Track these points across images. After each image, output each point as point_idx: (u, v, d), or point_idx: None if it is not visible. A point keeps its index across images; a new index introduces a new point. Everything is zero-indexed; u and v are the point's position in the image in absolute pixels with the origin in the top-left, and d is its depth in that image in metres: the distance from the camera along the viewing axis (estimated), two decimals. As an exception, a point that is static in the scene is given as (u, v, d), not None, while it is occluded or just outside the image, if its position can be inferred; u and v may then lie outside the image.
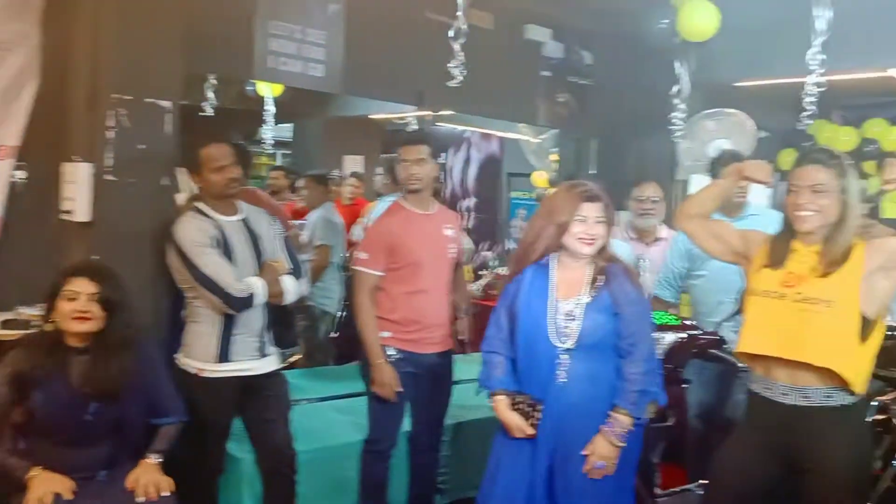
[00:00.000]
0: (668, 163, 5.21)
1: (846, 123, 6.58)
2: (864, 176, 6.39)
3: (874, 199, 5.72)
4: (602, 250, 2.52)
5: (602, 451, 2.40)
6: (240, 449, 3.06)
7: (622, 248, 3.34)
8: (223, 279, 2.70)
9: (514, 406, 2.53)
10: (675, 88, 4.68)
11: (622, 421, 2.40)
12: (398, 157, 3.17)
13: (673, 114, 4.67)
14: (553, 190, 3.68)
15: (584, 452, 2.42)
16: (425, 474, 3.37)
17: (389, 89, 4.29)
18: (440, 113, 6.19)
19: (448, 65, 3.86)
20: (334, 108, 7.97)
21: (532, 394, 2.52)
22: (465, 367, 4.65)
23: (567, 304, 2.48)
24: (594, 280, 2.49)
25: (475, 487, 3.77)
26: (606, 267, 2.51)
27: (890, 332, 2.99)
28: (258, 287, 2.79)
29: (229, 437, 2.95)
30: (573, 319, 2.46)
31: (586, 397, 2.45)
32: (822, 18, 3.90)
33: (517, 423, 2.50)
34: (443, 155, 8.88)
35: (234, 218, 2.89)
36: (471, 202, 8.76)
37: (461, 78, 3.88)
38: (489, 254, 7.61)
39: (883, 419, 3.00)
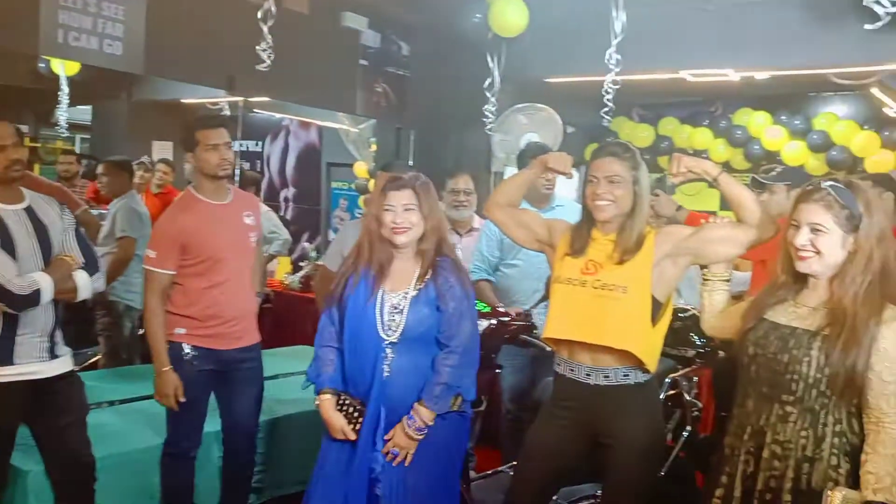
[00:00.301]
0: (485, 154, 5.35)
1: (644, 121, 7.06)
2: (661, 170, 6.91)
3: (671, 191, 6.18)
4: (432, 242, 2.47)
5: (398, 442, 2.40)
6: (25, 460, 2.78)
7: None
8: (1, 275, 2.43)
9: (340, 406, 2.48)
10: (487, 82, 4.80)
11: (423, 414, 2.39)
12: (195, 141, 2.95)
13: (486, 107, 4.80)
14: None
15: (385, 437, 2.41)
16: (238, 475, 3.23)
17: (197, 72, 4.07)
18: (256, 99, 5.99)
19: (257, 48, 3.72)
20: (141, 91, 7.51)
21: (358, 387, 2.48)
22: (280, 361, 4.56)
23: (394, 297, 2.46)
24: (423, 273, 2.47)
25: (295, 483, 3.70)
26: (438, 260, 2.49)
27: (679, 314, 3.28)
28: (44, 283, 2.53)
29: (13, 448, 2.68)
30: (399, 312, 2.44)
31: (410, 391, 2.44)
32: (617, 21, 4.15)
33: (340, 426, 2.45)
34: (259, 143, 8.62)
35: (16, 207, 2.60)
36: (290, 192, 8.56)
37: (269, 62, 3.75)
38: (309, 245, 7.48)
39: (674, 394, 3.24)
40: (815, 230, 1.95)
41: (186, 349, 2.93)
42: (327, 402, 2.49)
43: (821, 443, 1.92)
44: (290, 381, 4.27)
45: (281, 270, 6.44)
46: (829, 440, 1.91)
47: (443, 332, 2.45)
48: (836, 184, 1.95)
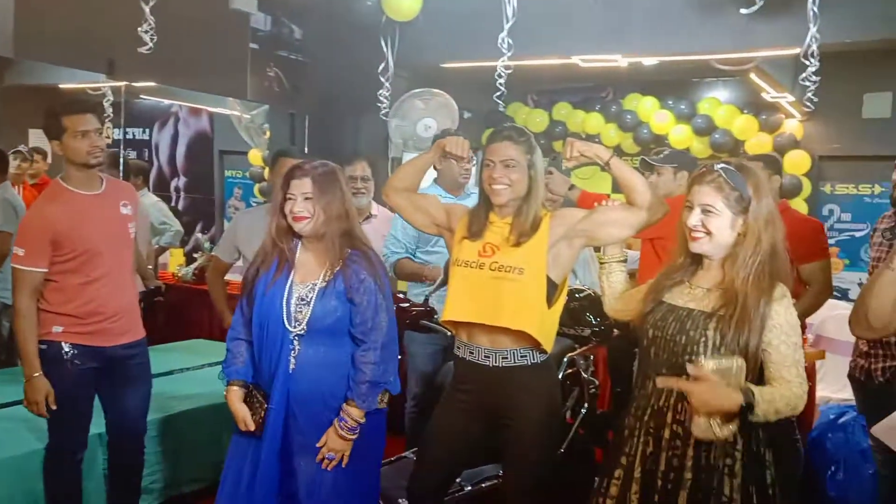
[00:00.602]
0: (382, 140, 5.31)
1: (538, 106, 7.18)
2: (555, 155, 7.05)
3: (566, 174, 6.31)
4: (339, 233, 2.41)
5: (333, 445, 2.36)
6: None
7: None
8: None
9: (248, 398, 2.43)
10: (381, 66, 4.76)
11: (353, 414, 2.36)
12: (62, 128, 2.75)
13: (380, 92, 4.76)
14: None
15: (318, 445, 2.36)
16: (125, 476, 3.09)
17: (73, 55, 3.84)
18: (141, 84, 5.73)
19: (139, 29, 3.54)
20: (14, 75, 7.05)
21: (265, 379, 2.42)
22: (175, 356, 4.40)
23: (302, 289, 2.40)
24: (331, 265, 2.41)
25: (192, 482, 3.59)
26: (349, 252, 2.43)
27: (575, 295, 3.35)
28: None
29: None
30: (306, 304, 2.38)
31: (319, 385, 2.39)
32: (509, 5, 4.19)
33: (242, 415, 2.40)
34: (147, 130, 8.27)
35: None
36: (181, 181, 8.25)
37: (152, 45, 3.57)
38: (202, 236, 7.23)
39: (572, 373, 3.32)
40: (706, 211, 2.01)
41: (66, 348, 2.77)
42: (234, 394, 2.44)
43: None
44: (186, 376, 4.14)
45: (174, 262, 6.20)
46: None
47: (357, 327, 2.40)
48: (727, 166, 2.01)
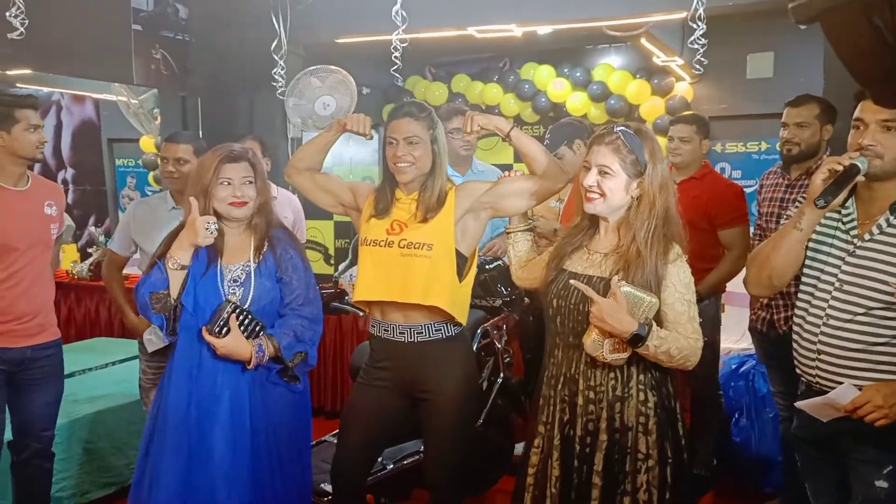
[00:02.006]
0: (281, 120, 5.17)
1: (437, 79, 7.15)
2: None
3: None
4: (264, 214, 2.43)
5: (234, 346, 2.29)
6: None
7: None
8: None
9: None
10: (273, 44, 4.63)
11: (269, 347, 2.34)
12: (14, 119, 2.75)
13: (275, 70, 4.63)
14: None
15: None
16: (34, 484, 2.95)
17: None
18: (15, 72, 5.39)
19: (7, 14, 3.30)
20: None
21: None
22: (76, 357, 4.21)
23: (233, 270, 2.38)
24: (259, 245, 2.41)
25: (102, 487, 3.46)
26: (272, 232, 2.44)
27: (485, 267, 3.37)
28: None
29: None
30: (240, 285, 2.36)
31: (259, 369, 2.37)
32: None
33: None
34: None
35: None
36: (68, 174, 7.84)
37: (23, 30, 3.34)
38: (96, 229, 6.90)
39: (486, 343, 3.36)
40: (602, 172, 2.04)
41: None
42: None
43: (629, 382, 2.02)
44: (89, 377, 3.98)
45: (67, 259, 5.91)
46: (635, 378, 2.02)
47: (291, 303, 2.42)
48: (626, 129, 2.04)
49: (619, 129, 2.04)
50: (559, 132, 3.53)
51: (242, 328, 2.32)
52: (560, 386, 2.10)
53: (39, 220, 2.84)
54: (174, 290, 2.31)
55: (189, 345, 2.38)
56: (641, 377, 2.03)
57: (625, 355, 1.96)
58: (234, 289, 2.37)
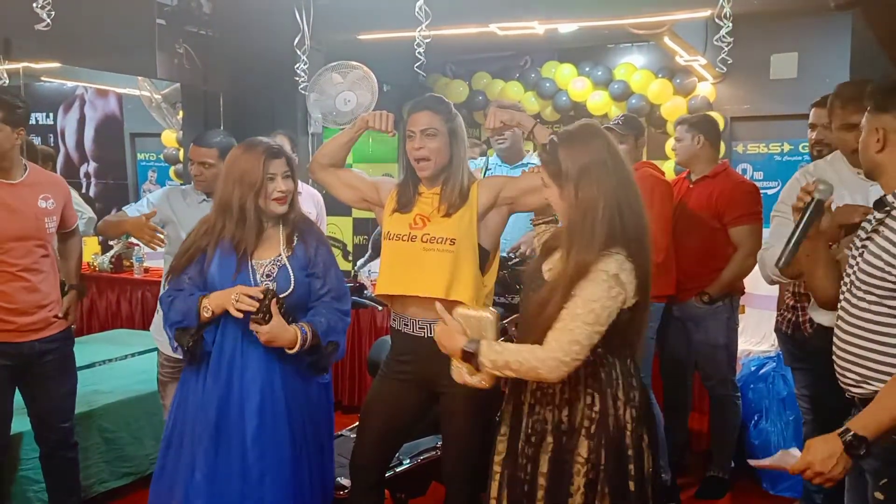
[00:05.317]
0: (302, 115, 5.19)
1: (457, 77, 7.15)
2: (476, 125, 7.05)
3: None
4: (294, 207, 2.45)
5: (277, 332, 2.28)
6: None
7: None
8: None
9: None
10: (296, 39, 4.64)
11: (309, 335, 2.33)
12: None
13: (297, 66, 4.64)
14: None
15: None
16: (61, 474, 2.99)
17: (-40, 35, 3.61)
18: (42, 66, 5.45)
19: (34, 5, 3.33)
20: None
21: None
22: (96, 348, 4.25)
23: (265, 265, 2.38)
24: (289, 239, 2.42)
25: (120, 477, 3.49)
26: (301, 226, 2.46)
27: (506, 263, 3.36)
28: None
29: None
30: (272, 280, 2.36)
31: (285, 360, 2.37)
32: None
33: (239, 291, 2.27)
34: (51, 115, 7.87)
35: None
36: (91, 167, 7.91)
37: (49, 21, 3.36)
38: (118, 222, 6.96)
39: (505, 340, 3.34)
40: (545, 184, 2.00)
41: None
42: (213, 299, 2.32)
43: (577, 385, 1.95)
44: (110, 368, 4.01)
45: (88, 252, 5.96)
46: (583, 381, 1.94)
47: (325, 295, 2.43)
48: (552, 140, 1.97)
49: (549, 138, 2.00)
50: (632, 123, 3.51)
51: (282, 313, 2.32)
52: (523, 388, 2.05)
53: (32, 214, 2.79)
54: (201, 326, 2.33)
55: (221, 340, 2.37)
56: (589, 380, 1.95)
57: (481, 376, 1.93)
58: (267, 283, 2.36)
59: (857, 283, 1.86)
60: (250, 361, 2.36)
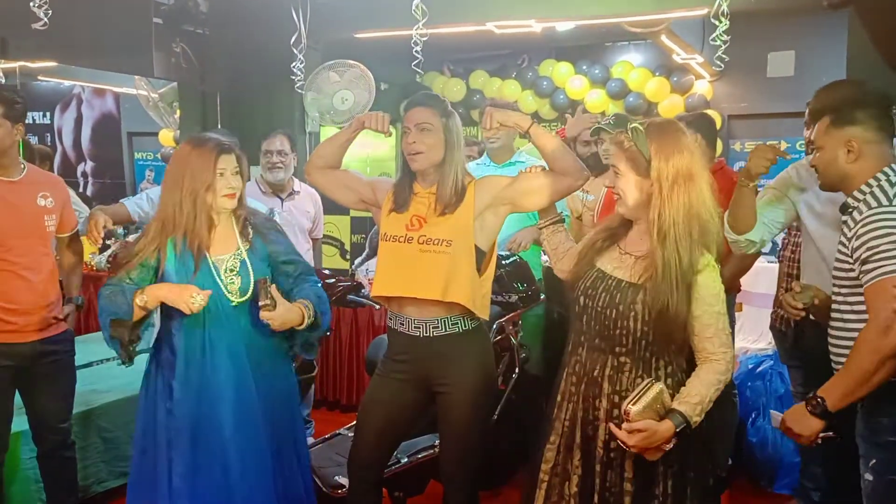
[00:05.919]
0: (299, 114, 5.20)
1: (455, 75, 7.15)
2: (473, 124, 7.05)
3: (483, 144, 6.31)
4: (242, 201, 2.43)
5: (285, 314, 2.32)
6: None
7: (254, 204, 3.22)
8: None
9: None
10: (293, 38, 4.64)
11: (311, 310, 2.37)
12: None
13: (294, 64, 4.64)
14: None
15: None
16: (60, 475, 2.98)
17: (-43, 34, 3.60)
18: (39, 65, 5.44)
19: (31, 4, 3.32)
20: None
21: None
22: (93, 347, 4.24)
23: (225, 260, 2.37)
24: (243, 233, 2.42)
25: (118, 476, 3.48)
26: (252, 219, 2.46)
27: (502, 262, 3.36)
28: None
29: None
30: (236, 274, 2.36)
31: (268, 350, 2.42)
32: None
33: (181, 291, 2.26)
34: (48, 114, 7.86)
35: None
36: (88, 166, 7.91)
37: (46, 20, 3.35)
38: (115, 221, 6.96)
39: (502, 339, 3.34)
40: (615, 172, 2.00)
41: None
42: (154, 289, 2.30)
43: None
44: (108, 367, 4.00)
45: (85, 251, 5.96)
46: (663, 383, 1.93)
47: (293, 272, 2.47)
48: (637, 126, 1.97)
49: (631, 126, 1.98)
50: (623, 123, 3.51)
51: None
52: (583, 386, 2.04)
53: (30, 212, 2.77)
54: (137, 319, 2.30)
55: (190, 341, 2.36)
56: (669, 381, 1.96)
57: (669, 445, 1.89)
58: (231, 278, 2.36)
59: (834, 279, 2.02)
60: (219, 362, 2.35)
